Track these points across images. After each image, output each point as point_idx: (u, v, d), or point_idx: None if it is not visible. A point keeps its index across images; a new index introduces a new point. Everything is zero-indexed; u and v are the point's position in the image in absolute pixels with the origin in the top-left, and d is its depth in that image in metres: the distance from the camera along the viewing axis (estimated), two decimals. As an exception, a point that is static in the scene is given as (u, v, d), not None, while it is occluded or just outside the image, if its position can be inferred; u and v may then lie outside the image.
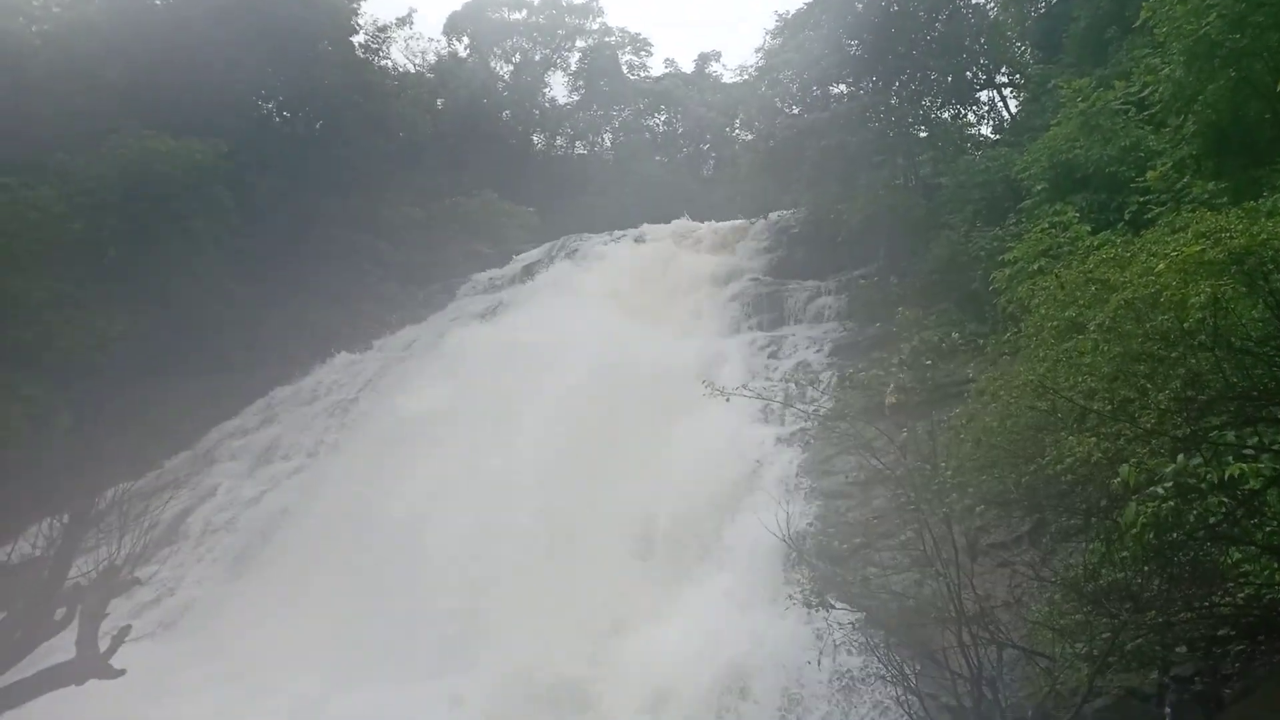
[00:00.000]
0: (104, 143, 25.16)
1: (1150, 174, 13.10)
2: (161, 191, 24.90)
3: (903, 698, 10.38)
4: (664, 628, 13.00)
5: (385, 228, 31.57)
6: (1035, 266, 12.10)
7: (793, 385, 15.03)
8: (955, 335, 13.19)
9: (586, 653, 13.17)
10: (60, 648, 6.98)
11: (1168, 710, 9.30)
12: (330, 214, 30.30)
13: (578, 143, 50.12)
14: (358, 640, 13.55)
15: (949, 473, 10.08)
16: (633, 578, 14.42)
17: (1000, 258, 13.63)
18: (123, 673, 6.61)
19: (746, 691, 12.02)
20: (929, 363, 12.63)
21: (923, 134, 22.27)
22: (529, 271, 27.20)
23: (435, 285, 28.85)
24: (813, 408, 13.50)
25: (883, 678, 11.12)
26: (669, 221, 27.62)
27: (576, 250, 26.90)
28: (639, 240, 26.27)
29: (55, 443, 19.96)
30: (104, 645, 6.72)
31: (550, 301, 22.45)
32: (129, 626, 6.99)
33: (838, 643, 11.21)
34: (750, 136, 28.94)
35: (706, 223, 27.19)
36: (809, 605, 10.53)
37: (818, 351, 18.37)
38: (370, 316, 27.75)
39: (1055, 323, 9.95)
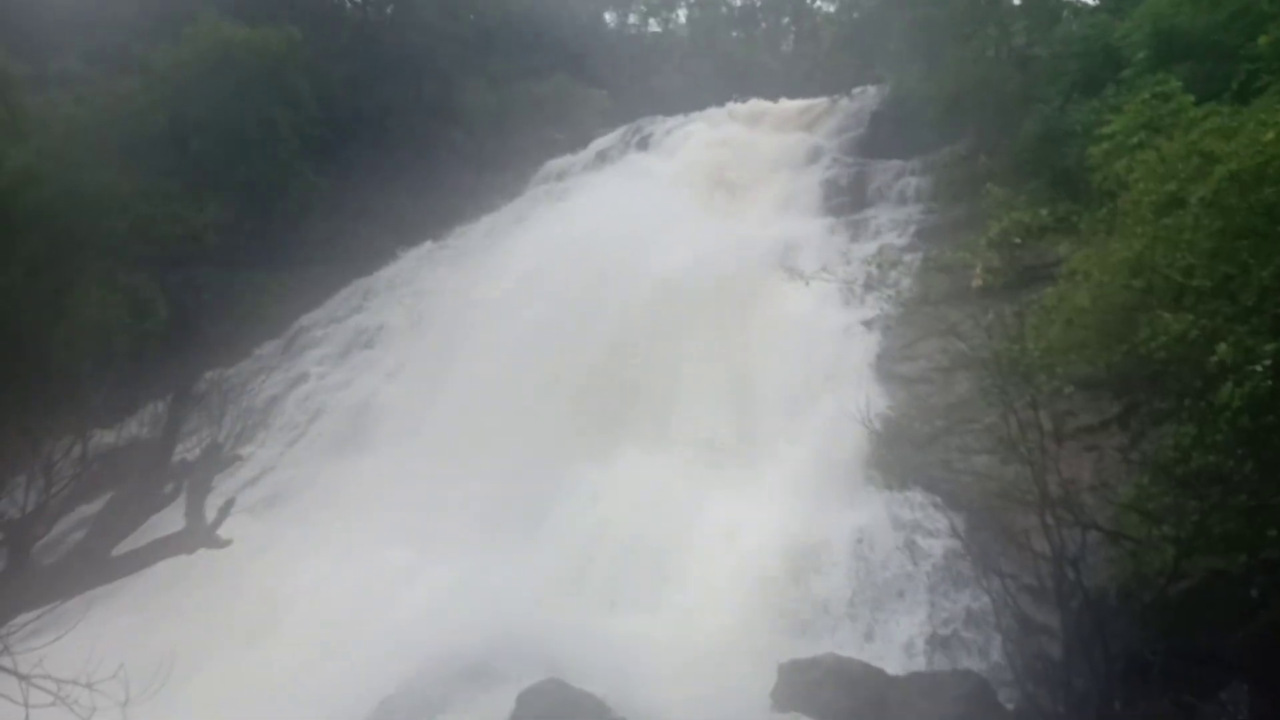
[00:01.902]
0: (181, 32, 25.30)
1: (1261, 40, 12.21)
2: (239, 81, 25.07)
3: (982, 577, 10.43)
4: (742, 510, 13.18)
5: (459, 115, 31.41)
6: (1134, 141, 11.48)
7: (874, 269, 14.83)
8: (1045, 213, 12.67)
9: (664, 529, 13.48)
10: (171, 521, 7.31)
11: (1255, 593, 9.18)
12: (404, 102, 30.24)
13: (651, 20, 48.61)
14: (445, 516, 14.07)
15: (1037, 354, 9.88)
16: (710, 461, 14.58)
17: (1097, 132, 12.96)
18: (229, 543, 6.96)
19: (823, 572, 12.21)
20: (1018, 242, 12.23)
21: (1016, 1, 21.04)
22: (603, 158, 26.84)
23: (510, 173, 28.73)
24: (895, 291, 13.28)
25: (962, 557, 11.20)
26: (747, 101, 26.85)
27: (650, 134, 26.40)
28: (715, 122, 25.63)
29: (154, 331, 20.76)
30: (210, 518, 7.07)
31: (624, 187, 22.16)
32: (233, 500, 7.31)
33: (918, 524, 11.30)
34: (833, 9, 27.71)
35: (786, 102, 26.36)
36: (889, 488, 10.58)
37: (901, 234, 17.87)
38: (446, 205, 27.86)
39: (1154, 198, 9.54)
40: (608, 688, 9.15)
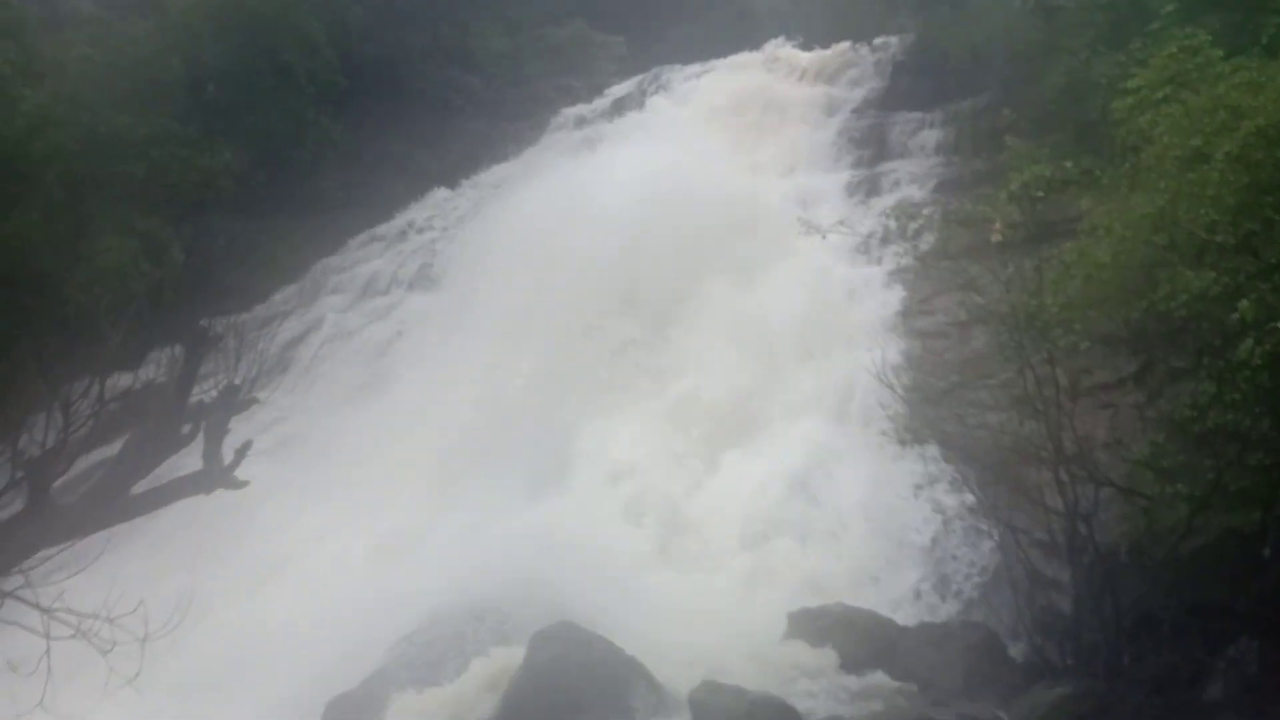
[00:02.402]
0: (195, -26, 25.03)
1: (1293, -10, 11.94)
2: (254, 26, 24.81)
3: (994, 531, 10.48)
4: (756, 463, 13.24)
5: (475, 62, 31.01)
6: (1160, 95, 11.27)
7: (893, 222, 14.70)
8: (1070, 165, 12.49)
9: (679, 480, 13.58)
10: (188, 463, 7.37)
11: (1268, 550, 9.18)
12: (420, 49, 29.86)
13: (669, -35, 47.61)
14: (458, 463, 14.18)
15: (1055, 309, 9.82)
16: (724, 415, 14.60)
17: (1122, 86, 12.72)
18: (246, 484, 7.04)
19: (835, 525, 12.28)
20: (1040, 195, 12.06)
21: (1043, -51, 20.55)
22: (619, 107, 26.54)
23: (525, 122, 28.46)
24: (914, 245, 13.18)
25: (974, 512, 11.24)
26: (765, 49, 26.43)
27: (668, 83, 26.08)
28: (733, 72, 25.25)
29: (169, 277, 20.79)
30: (228, 460, 7.13)
31: (640, 137, 21.95)
32: (250, 442, 7.37)
33: (931, 478, 11.32)
34: (855, -43, 27.04)
35: (806, 52, 25.94)
36: (902, 442, 10.59)
37: (921, 187, 17.68)
38: (461, 153, 27.66)
39: (1179, 152, 9.42)
40: (619, 631, 9.26)
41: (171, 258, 21.64)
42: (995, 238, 14.56)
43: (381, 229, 24.20)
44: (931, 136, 19.81)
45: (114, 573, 6.44)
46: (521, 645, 9.22)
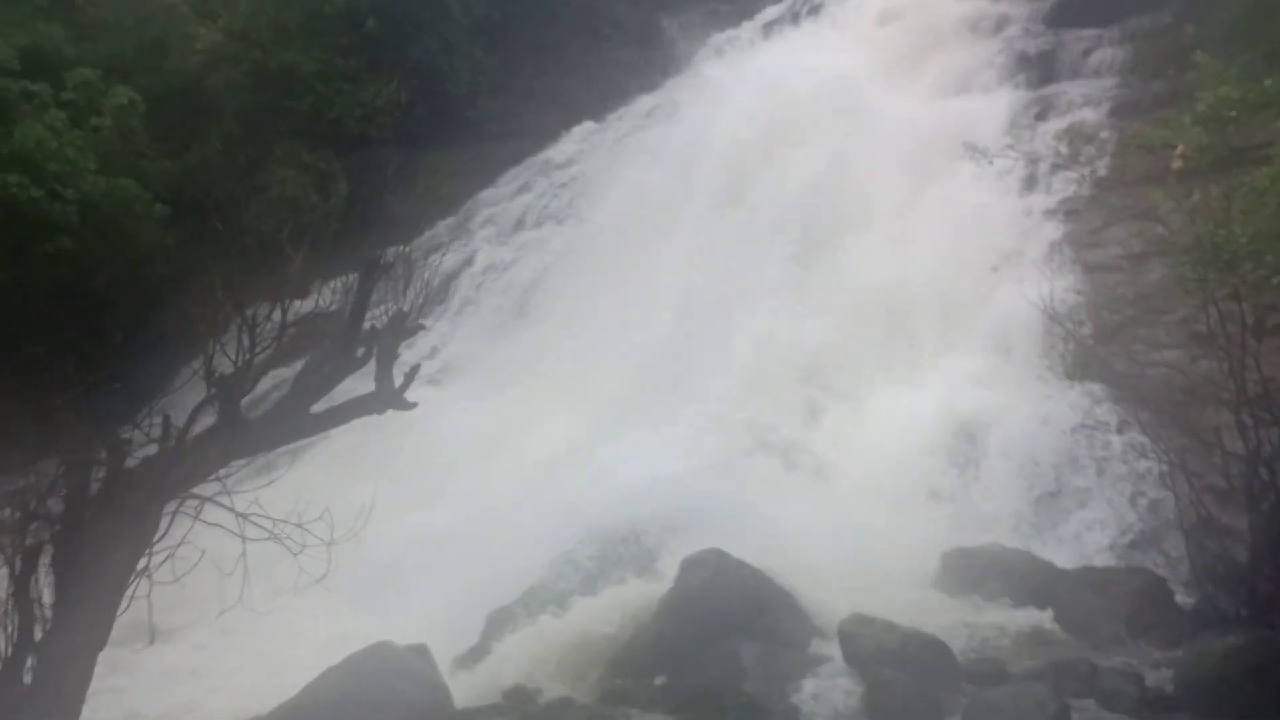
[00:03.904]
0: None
1: None
2: (412, -42, 25.27)
3: (1166, 475, 9.98)
4: (912, 395, 12.97)
5: (624, -13, 30.75)
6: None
7: (1063, 147, 13.90)
8: (1269, 83, 11.48)
9: (826, 413, 13.45)
10: (361, 385, 7.71)
11: None
12: (569, -26, 29.78)
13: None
14: (617, 392, 14.46)
15: (1244, 240, 9.15)
16: (875, 349, 14.32)
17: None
18: (415, 405, 7.33)
19: (992, 464, 11.93)
20: (1233, 115, 11.15)
21: None
22: (769, 30, 25.86)
23: (675, 48, 28.07)
24: (1089, 171, 12.44)
25: (1143, 454, 10.75)
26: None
27: (822, 3, 25.17)
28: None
29: (335, 208, 21.73)
30: (398, 383, 7.44)
31: (792, 61, 21.32)
32: (418, 366, 7.69)
33: (1096, 418, 10.84)
34: None
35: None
36: (1071, 378, 10.16)
37: (1095, 110, 16.54)
38: (609, 83, 27.60)
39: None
40: (769, 563, 9.32)
41: (338, 190, 22.62)
42: (1176, 164, 13.62)
43: (532, 161, 24.52)
44: (1106, 55, 18.48)
45: (301, 482, 6.92)
46: (672, 568, 9.40)
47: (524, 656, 8.93)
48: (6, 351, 16.13)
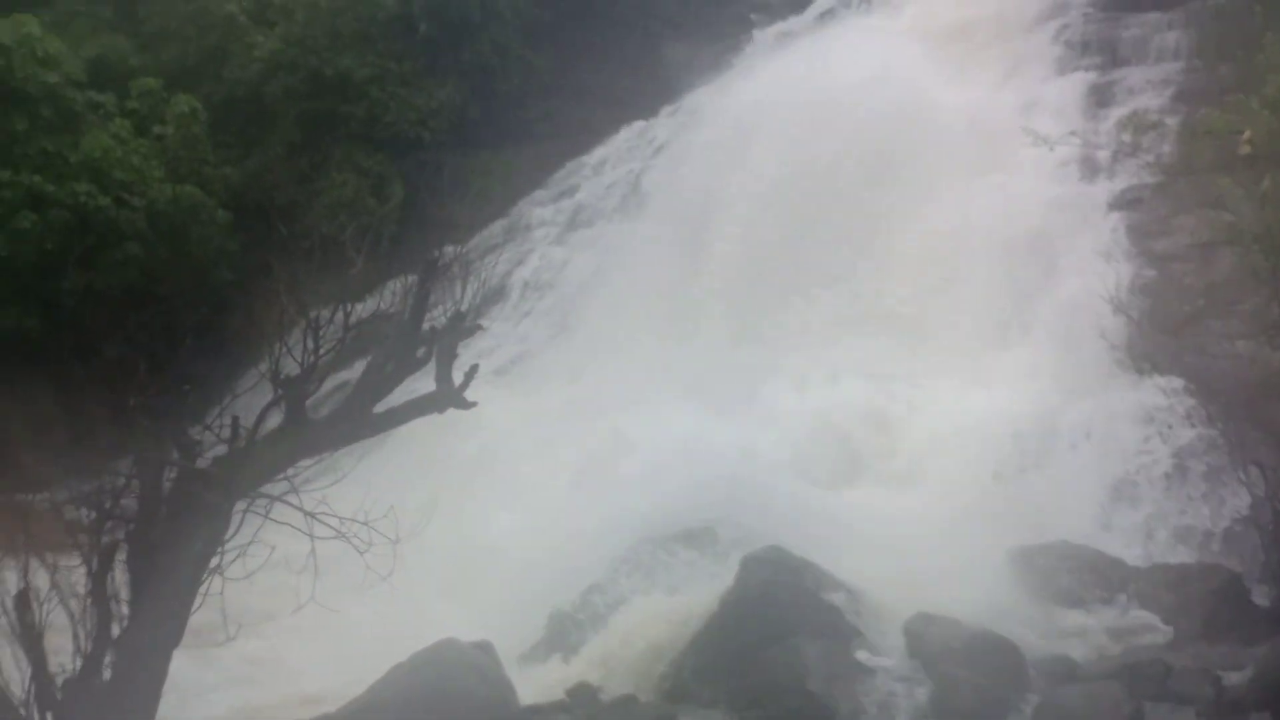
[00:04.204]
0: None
1: None
2: (464, -39, 25.47)
3: (1239, 469, 9.70)
4: (972, 392, 12.75)
5: (674, -16, 30.68)
6: None
7: (1126, 135, 13.54)
8: (1348, 64, 11.06)
9: (886, 410, 13.28)
10: (422, 385, 7.78)
11: None
12: (620, -29, 29.77)
13: None
14: (668, 384, 14.46)
15: (1322, 228, 8.83)
16: (944, 346, 14.11)
17: None
18: (475, 404, 7.38)
19: (1059, 458, 11.69)
20: (1309, 97, 10.77)
21: None
22: (823, 20, 25.54)
23: (724, 43, 27.89)
24: (1154, 158, 12.13)
25: (1215, 448, 10.46)
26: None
27: (877, -7, 24.81)
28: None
29: (391, 211, 22.02)
30: (457, 382, 7.50)
31: (846, 49, 21.02)
32: (477, 366, 7.74)
33: (1166, 411, 10.57)
34: None
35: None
36: (1140, 372, 9.90)
37: (1158, 95, 16.14)
38: (660, 80, 27.51)
39: None
40: (830, 559, 9.24)
41: (394, 193, 22.91)
42: (1244, 150, 13.18)
43: (583, 160, 24.58)
44: (1170, 39, 17.98)
45: (367, 481, 7.01)
46: (733, 566, 9.36)
47: (587, 654, 8.96)
48: (84, 355, 16.64)
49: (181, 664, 6.19)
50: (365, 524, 6.03)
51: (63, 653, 5.57)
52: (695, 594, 9.42)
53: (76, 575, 5.67)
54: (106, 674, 5.77)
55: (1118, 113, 15.85)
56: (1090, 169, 15.11)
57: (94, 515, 5.95)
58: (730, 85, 23.72)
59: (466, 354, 10.55)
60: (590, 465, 13.34)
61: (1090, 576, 9.66)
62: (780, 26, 26.76)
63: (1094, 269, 12.12)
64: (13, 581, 5.45)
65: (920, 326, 14.30)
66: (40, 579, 5.50)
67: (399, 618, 10.38)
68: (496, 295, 19.19)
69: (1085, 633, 8.94)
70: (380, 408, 7.49)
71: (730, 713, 7.94)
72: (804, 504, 10.72)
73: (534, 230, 22.44)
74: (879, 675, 8.22)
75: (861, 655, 8.48)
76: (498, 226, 23.23)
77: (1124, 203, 14.12)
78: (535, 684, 8.78)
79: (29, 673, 5.44)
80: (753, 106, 19.53)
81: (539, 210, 23.30)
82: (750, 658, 8.39)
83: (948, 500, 11.40)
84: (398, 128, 24.34)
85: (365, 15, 25.02)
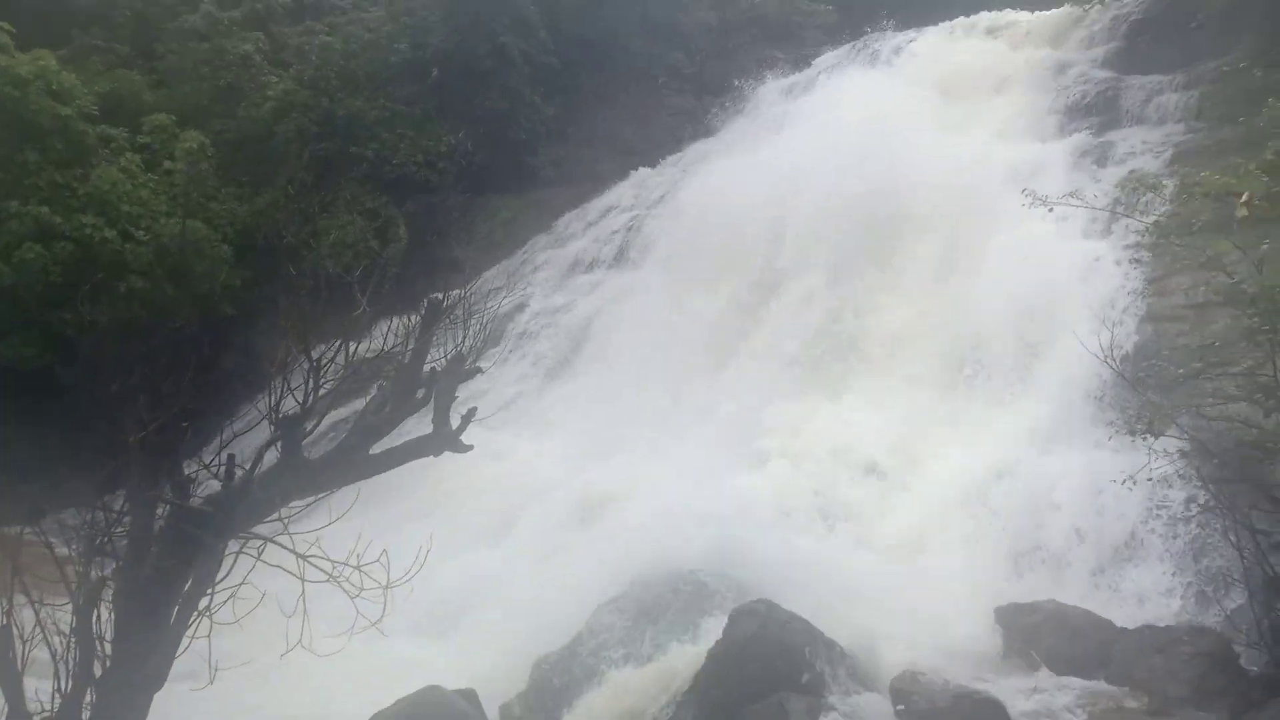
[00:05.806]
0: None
1: None
2: (475, 10, 25.96)
3: (1231, 531, 9.69)
4: (965, 448, 12.77)
5: (681, 37, 31.24)
6: None
7: (1123, 195, 13.72)
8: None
9: (882, 463, 13.30)
10: (419, 427, 7.80)
11: None
12: (629, 26, 30.35)
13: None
14: (658, 439, 14.51)
15: (1315, 292, 8.94)
16: (934, 402, 14.16)
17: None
18: (470, 448, 7.40)
19: (1049, 516, 11.67)
20: (1305, 162, 10.94)
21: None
22: (826, 77, 25.94)
23: (728, 95, 28.30)
24: (1152, 219, 12.26)
25: (1207, 510, 10.46)
26: (988, 12, 25.10)
27: (879, 51, 25.24)
28: (950, 36, 24.15)
29: (394, 253, 22.24)
30: (454, 425, 7.53)
31: (848, 106, 21.39)
32: (475, 409, 7.77)
33: (1158, 472, 10.57)
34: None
35: (1031, 13, 24.45)
36: (1133, 433, 9.91)
37: (1156, 157, 16.33)
38: (665, 130, 27.98)
39: None
40: (817, 611, 9.21)
41: (397, 234, 23.16)
42: (1241, 212, 13.33)
43: (587, 207, 24.86)
44: (1170, 101, 18.23)
45: (360, 523, 7.01)
46: (722, 618, 9.32)
47: (570, 706, 8.89)
48: (87, 388, 16.70)
49: (163, 706, 6.13)
50: (358, 569, 6.01)
51: (43, 692, 5.51)
52: (682, 648, 9.37)
53: (61, 612, 5.63)
54: (85, 715, 5.69)
55: (1116, 172, 16.07)
56: (1089, 228, 15.24)
57: (81, 551, 5.91)
58: (731, 138, 24.06)
59: (462, 396, 10.65)
60: (583, 509, 13.35)
61: (1079, 636, 9.60)
62: (783, 81, 27.19)
63: (1088, 328, 12.16)
64: (-3, 615, 5.41)
65: (913, 381, 14.36)
66: (25, 615, 5.46)
67: (385, 661, 10.33)
68: (495, 338, 19.31)
69: (1073, 693, 8.87)
70: (377, 448, 7.51)
71: (716, 767, 7.87)
72: (792, 556, 10.70)
73: (535, 274, 22.63)
74: (866, 733, 8.17)
75: (848, 713, 8.42)
76: (501, 268, 23.45)
77: (1121, 262, 14.22)
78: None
79: (4, 711, 5.38)
80: (751, 165, 19.75)
81: (541, 255, 23.53)
82: (736, 713, 8.33)
83: (938, 559, 11.39)
84: (406, 170, 24.69)
85: (378, 59, 25.49)
